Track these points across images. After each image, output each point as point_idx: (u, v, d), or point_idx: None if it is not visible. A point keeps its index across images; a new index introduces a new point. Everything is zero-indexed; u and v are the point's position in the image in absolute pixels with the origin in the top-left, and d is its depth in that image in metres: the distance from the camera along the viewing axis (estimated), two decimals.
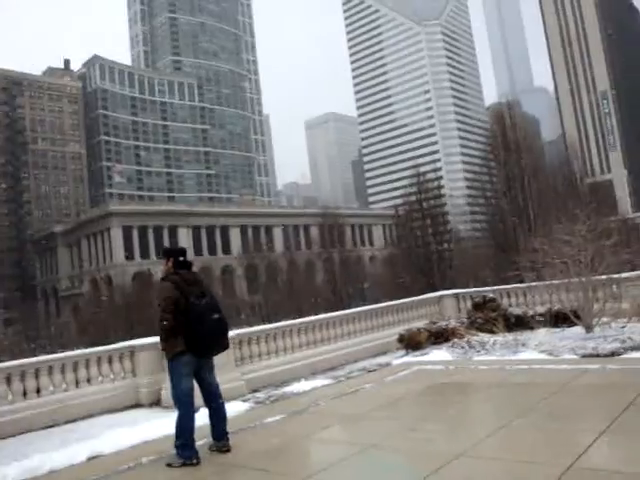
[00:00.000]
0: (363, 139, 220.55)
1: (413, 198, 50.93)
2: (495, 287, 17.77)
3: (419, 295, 19.59)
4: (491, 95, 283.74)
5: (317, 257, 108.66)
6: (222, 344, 6.64)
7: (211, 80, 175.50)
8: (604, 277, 13.30)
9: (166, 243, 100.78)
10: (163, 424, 8.72)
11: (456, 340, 13.50)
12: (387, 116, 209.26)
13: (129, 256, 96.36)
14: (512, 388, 8.67)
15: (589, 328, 12.74)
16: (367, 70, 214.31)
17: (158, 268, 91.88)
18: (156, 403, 10.99)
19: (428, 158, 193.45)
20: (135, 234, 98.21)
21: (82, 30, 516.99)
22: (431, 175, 58.65)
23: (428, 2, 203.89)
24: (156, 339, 12.09)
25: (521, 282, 15.74)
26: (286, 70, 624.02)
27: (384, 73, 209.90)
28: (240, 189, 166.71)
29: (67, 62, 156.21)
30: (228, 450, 6.57)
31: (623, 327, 12.85)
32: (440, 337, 13.84)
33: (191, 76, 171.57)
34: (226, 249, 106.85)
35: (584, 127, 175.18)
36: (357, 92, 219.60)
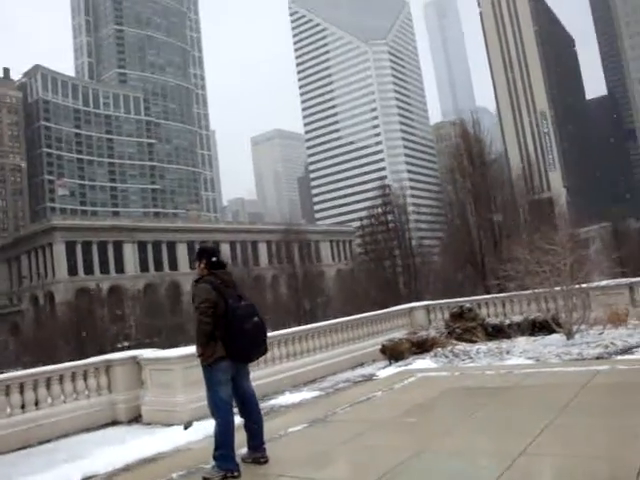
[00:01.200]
0: (310, 156, 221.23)
1: (379, 210, 51.08)
2: (470, 298, 17.88)
3: (383, 309, 19.49)
4: (435, 114, 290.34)
5: (267, 272, 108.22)
6: (262, 349, 6.27)
7: (158, 94, 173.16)
8: (584, 285, 13.49)
9: (111, 259, 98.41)
10: (154, 441, 8.23)
11: (438, 349, 13.44)
12: (334, 133, 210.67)
13: (72, 272, 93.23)
14: (531, 390, 8.62)
15: (570, 335, 12.90)
16: (314, 87, 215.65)
17: (104, 284, 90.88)
18: (135, 420, 10.37)
19: (374, 175, 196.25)
20: (79, 250, 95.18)
21: (23, 39, 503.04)
22: (397, 190, 59.08)
23: (375, 22, 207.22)
24: (133, 353, 11.58)
25: (501, 291, 15.77)
26: (234, 86, 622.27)
27: (331, 91, 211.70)
28: (186, 204, 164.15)
29: (7, 71, 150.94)
30: (266, 461, 6.17)
31: (601, 334, 13.10)
32: (421, 347, 13.80)
33: (137, 89, 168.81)
34: (173, 265, 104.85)
35: (525, 146, 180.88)
36: (304, 109, 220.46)
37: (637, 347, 11.43)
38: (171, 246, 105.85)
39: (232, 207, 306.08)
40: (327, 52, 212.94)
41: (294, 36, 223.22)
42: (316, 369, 13.29)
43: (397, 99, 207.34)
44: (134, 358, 10.80)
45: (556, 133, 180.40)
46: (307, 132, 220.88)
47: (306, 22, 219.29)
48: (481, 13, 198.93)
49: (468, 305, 15.30)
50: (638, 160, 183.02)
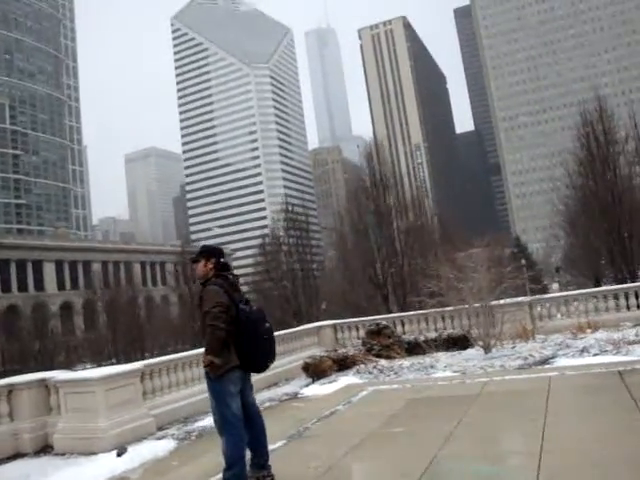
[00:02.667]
0: (187, 176, 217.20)
1: (280, 232, 50.63)
2: (387, 315, 17.98)
3: (286, 329, 19.17)
4: (313, 140, 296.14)
5: (152, 293, 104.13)
6: (273, 356, 5.76)
7: (26, 102, 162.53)
8: (497, 302, 13.92)
9: None
10: (83, 472, 7.22)
11: (361, 366, 13.28)
12: (212, 154, 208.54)
13: None
14: (500, 396, 8.71)
15: (487, 349, 13.23)
16: (194, 107, 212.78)
17: None
18: (43, 450, 9.13)
19: (252, 198, 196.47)
20: None
21: None
22: (300, 209, 58.85)
23: (258, 45, 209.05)
24: (40, 375, 10.26)
25: (421, 308, 15.91)
26: (111, 100, 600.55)
27: (211, 111, 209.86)
28: (54, 221, 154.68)
29: None
30: (272, 479, 5.65)
31: (514, 347, 13.56)
32: (342, 364, 13.53)
33: (2, 96, 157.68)
34: (39, 286, 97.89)
35: (399, 175, 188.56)
36: (183, 128, 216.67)
37: (553, 358, 11.88)
38: (37, 265, 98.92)
39: (102, 226, 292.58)
40: (208, 72, 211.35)
41: (175, 53, 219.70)
42: None
43: (277, 123, 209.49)
44: (42, 381, 9.57)
45: (429, 164, 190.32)
46: (185, 152, 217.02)
47: (188, 40, 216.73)
48: (361, 46, 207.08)
49: (384, 322, 15.29)
50: (501, 193, 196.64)
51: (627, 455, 5.26)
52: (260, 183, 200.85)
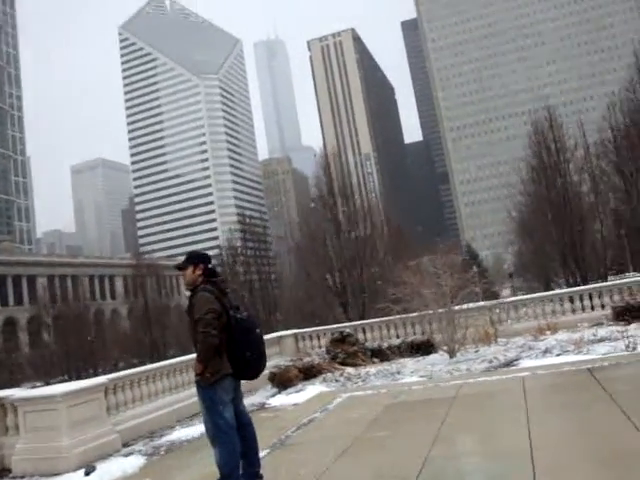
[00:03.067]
0: (136, 187, 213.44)
1: (238, 243, 49.92)
2: (350, 323, 17.90)
3: None
4: (262, 151, 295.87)
5: (103, 306, 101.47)
6: (265, 364, 5.65)
7: None
8: (459, 307, 14.04)
9: None
10: None
11: (327, 374, 13.19)
12: (161, 165, 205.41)
13: None
14: (476, 397, 8.77)
15: (452, 354, 13.32)
16: (143, 117, 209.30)
17: None
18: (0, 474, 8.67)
19: (202, 209, 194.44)
20: None
21: None
22: (257, 221, 58.27)
23: (207, 56, 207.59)
24: None
25: (386, 315, 15.90)
26: (56, 110, 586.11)
27: (160, 122, 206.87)
28: None
29: None
30: None
31: (477, 351, 13.70)
32: (308, 373, 13.40)
33: None
34: None
35: (350, 185, 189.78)
36: (131, 139, 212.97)
37: (517, 360, 12.08)
38: None
39: (48, 239, 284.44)
40: (157, 82, 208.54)
41: (123, 63, 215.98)
42: (197, 402, 12.26)
43: (227, 134, 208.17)
44: None
45: (379, 174, 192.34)
46: (134, 163, 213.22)
47: (136, 50, 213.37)
48: (311, 57, 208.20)
49: (348, 330, 15.24)
50: (450, 202, 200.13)
51: (615, 449, 5.35)
52: (210, 194, 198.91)
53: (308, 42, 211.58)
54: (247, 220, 49.38)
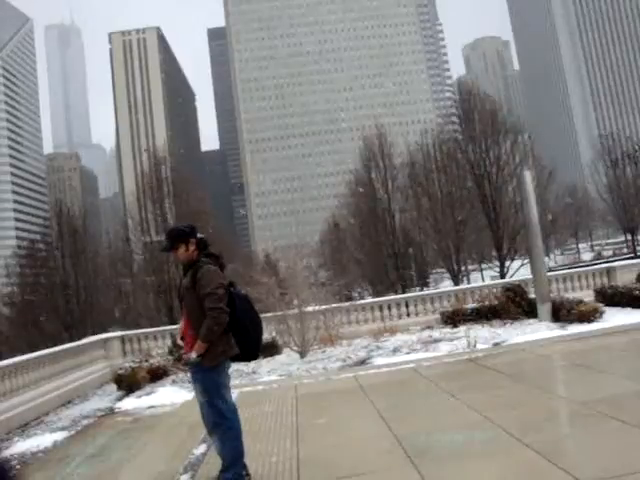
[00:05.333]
0: None
1: (49, 238, 44.49)
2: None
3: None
4: (47, 145, 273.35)
5: None
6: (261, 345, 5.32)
7: None
8: (311, 309, 14.13)
9: None
10: None
11: (177, 376, 12.43)
12: None
13: None
14: (382, 386, 8.88)
15: (303, 354, 13.35)
16: None
17: None
18: None
19: None
20: None
21: None
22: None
23: None
24: None
25: None
26: None
27: None
28: None
29: None
30: (250, 477, 5.03)
31: (324, 351, 13.96)
32: (155, 374, 12.50)
33: None
34: None
35: (143, 188, 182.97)
36: None
37: (369, 358, 12.37)
38: None
39: None
40: None
41: None
42: (27, 410, 10.72)
43: (8, 120, 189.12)
44: None
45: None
46: None
47: None
48: (111, 50, 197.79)
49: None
50: (241, 212, 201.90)
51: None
52: None
53: (110, 34, 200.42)
54: (67, 213, 44.71)
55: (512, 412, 6.15)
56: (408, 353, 12.36)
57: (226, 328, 4.76)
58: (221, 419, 4.84)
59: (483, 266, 43.74)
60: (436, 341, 13.24)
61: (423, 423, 6.29)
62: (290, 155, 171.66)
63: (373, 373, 9.87)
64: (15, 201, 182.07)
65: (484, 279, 47.64)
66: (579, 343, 10.21)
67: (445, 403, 7.01)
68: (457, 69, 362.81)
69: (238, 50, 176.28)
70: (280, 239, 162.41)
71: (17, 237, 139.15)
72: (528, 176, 15.40)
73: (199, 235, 5.05)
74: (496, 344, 11.78)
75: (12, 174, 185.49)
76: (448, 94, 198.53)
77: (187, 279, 4.92)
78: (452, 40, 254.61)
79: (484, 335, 12.94)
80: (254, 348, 5.03)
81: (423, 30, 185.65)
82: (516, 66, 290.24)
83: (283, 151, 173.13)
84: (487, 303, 15.52)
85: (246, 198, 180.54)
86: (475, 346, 11.72)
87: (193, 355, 4.73)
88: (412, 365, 9.93)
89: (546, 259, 38.42)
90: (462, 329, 14.35)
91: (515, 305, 14.94)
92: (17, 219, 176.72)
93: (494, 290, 16.22)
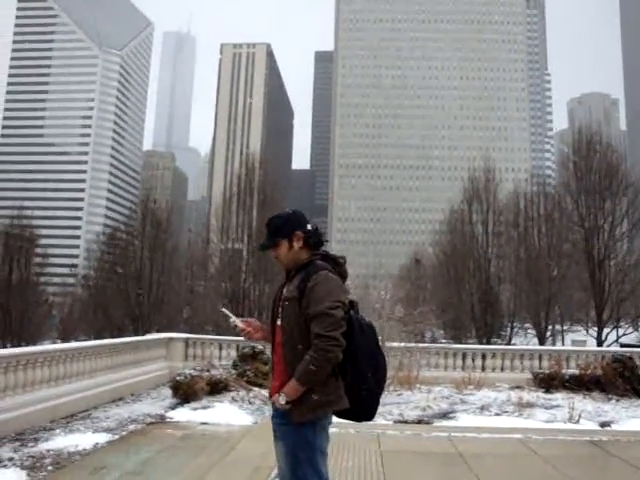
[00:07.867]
0: (1, 145, 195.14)
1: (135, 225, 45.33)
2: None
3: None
4: (147, 141, 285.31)
5: None
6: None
7: None
8: (395, 344, 12.76)
9: None
10: None
11: (238, 393, 11.32)
12: (37, 129, 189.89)
13: None
14: (488, 458, 7.30)
15: None
16: (27, 73, 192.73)
17: None
18: None
19: (72, 185, 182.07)
20: None
21: None
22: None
23: (114, 30, 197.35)
24: None
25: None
26: None
27: (46, 83, 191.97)
28: None
29: None
30: None
31: (400, 394, 12.72)
32: (214, 388, 11.45)
33: None
34: None
35: (230, 193, 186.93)
36: (9, 92, 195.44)
37: (452, 412, 11.15)
38: None
39: None
40: (52, 41, 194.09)
41: (19, 9, 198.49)
42: (77, 400, 9.90)
43: (116, 114, 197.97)
44: None
45: None
46: (6, 118, 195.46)
47: None
48: (220, 60, 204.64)
49: (260, 347, 13.34)
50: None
51: None
52: (84, 172, 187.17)
53: (222, 45, 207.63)
54: (153, 202, 45.25)
55: None
56: (498, 414, 10.87)
57: (335, 369, 3.16)
58: None
59: (572, 329, 40.76)
60: (530, 406, 11.62)
61: None
62: (378, 185, 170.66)
63: (472, 437, 8.23)
64: (109, 190, 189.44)
65: (564, 342, 44.73)
66: None
67: None
68: (559, 122, 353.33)
69: (343, 75, 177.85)
70: (354, 267, 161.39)
71: (104, 225, 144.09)
72: None
73: (309, 226, 3.40)
74: (604, 424, 10.11)
75: (111, 164, 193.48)
76: (547, 146, 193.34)
77: (291, 286, 3.30)
78: (557, 92, 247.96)
79: (587, 409, 11.33)
80: (371, 404, 3.26)
81: (530, 78, 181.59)
82: (623, 126, 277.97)
83: (372, 180, 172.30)
84: (589, 372, 13.72)
85: (328, 221, 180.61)
86: (578, 421, 10.13)
87: (281, 400, 3.12)
88: (519, 436, 8.26)
89: None
90: (559, 396, 12.81)
91: (623, 380, 13.08)
92: (108, 207, 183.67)
93: (598, 358, 14.38)
